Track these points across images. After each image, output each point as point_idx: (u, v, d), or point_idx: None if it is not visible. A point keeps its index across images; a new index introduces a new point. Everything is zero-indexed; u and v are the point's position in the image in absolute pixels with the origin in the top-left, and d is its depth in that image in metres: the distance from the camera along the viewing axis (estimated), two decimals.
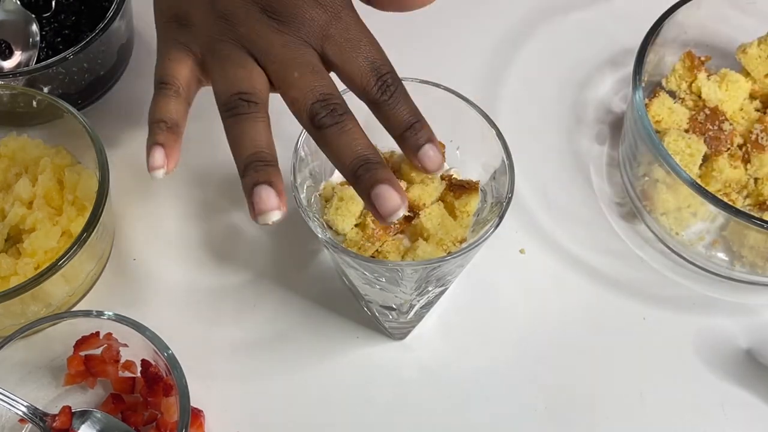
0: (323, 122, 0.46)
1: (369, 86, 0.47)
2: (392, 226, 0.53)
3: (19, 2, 0.70)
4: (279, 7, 0.48)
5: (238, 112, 0.47)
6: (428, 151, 0.47)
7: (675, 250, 0.66)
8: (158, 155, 0.48)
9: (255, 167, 0.45)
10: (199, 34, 0.49)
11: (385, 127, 0.48)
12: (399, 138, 0.48)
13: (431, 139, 0.48)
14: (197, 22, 0.49)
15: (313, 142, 0.55)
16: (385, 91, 0.47)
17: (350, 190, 0.54)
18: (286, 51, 0.48)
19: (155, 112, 0.49)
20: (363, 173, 0.45)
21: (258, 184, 0.44)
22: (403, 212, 0.44)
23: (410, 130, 0.47)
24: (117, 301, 0.63)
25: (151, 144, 0.48)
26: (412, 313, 0.58)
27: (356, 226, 0.54)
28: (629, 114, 0.64)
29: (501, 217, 0.51)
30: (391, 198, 0.44)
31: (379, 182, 0.44)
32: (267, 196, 0.44)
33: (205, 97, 0.73)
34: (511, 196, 0.52)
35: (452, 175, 0.56)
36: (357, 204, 0.53)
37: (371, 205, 0.44)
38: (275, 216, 0.45)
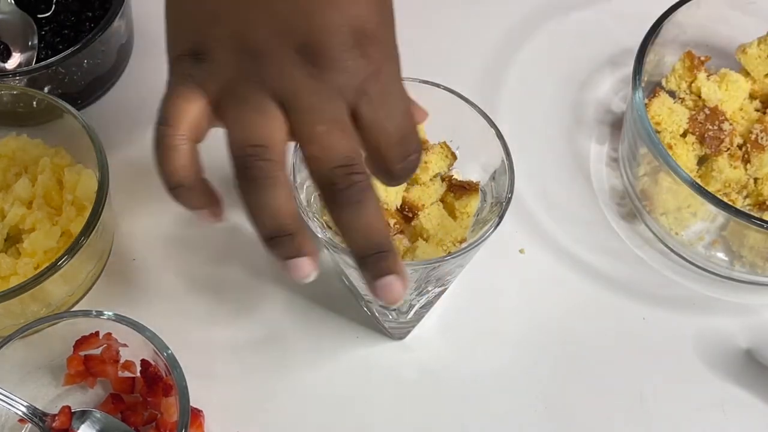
0: (342, 195, 0.41)
1: (391, 159, 0.42)
2: (391, 227, 0.53)
3: (14, 3, 0.70)
4: (318, 49, 0.41)
5: (253, 175, 0.41)
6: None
7: (675, 250, 0.66)
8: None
9: (282, 243, 0.41)
10: (217, 72, 0.42)
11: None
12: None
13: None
14: (218, 58, 0.42)
15: None
16: (404, 173, 0.43)
17: None
18: (316, 100, 0.41)
19: (168, 174, 0.43)
20: (374, 262, 0.41)
21: (289, 258, 0.41)
22: (401, 300, 0.43)
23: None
24: (117, 301, 0.63)
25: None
26: (411, 313, 0.58)
27: None
28: (629, 114, 0.64)
29: (501, 217, 0.51)
30: (395, 291, 0.42)
31: (387, 273, 0.41)
32: (301, 266, 0.41)
33: None
34: (511, 196, 0.52)
35: (452, 175, 0.56)
36: None
37: (374, 290, 0.42)
38: (311, 278, 0.42)
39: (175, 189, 0.43)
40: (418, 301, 0.56)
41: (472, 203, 0.54)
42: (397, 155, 0.43)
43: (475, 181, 0.55)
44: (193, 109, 0.43)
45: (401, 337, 0.62)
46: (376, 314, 0.59)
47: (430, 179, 0.55)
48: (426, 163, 0.55)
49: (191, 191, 0.44)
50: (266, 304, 0.63)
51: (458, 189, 0.55)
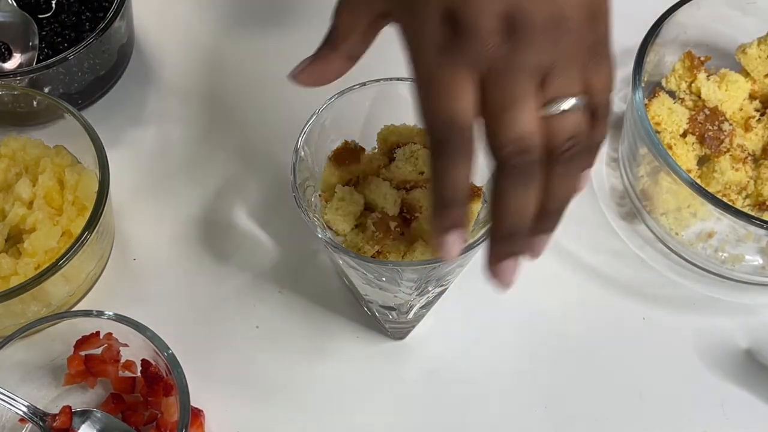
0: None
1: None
2: (392, 230, 0.53)
3: (15, 4, 0.70)
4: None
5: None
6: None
7: (675, 250, 0.66)
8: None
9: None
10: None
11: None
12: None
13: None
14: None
15: (313, 141, 0.55)
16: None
17: (350, 190, 0.54)
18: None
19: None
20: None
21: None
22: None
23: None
24: (117, 301, 0.63)
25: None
26: (411, 313, 0.58)
27: (356, 227, 0.54)
28: (629, 114, 0.64)
29: None
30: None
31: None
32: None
33: (206, 96, 0.73)
34: None
35: None
36: (357, 204, 0.53)
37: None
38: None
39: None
40: (418, 301, 0.56)
41: (474, 208, 0.54)
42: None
43: (478, 186, 0.55)
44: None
45: (401, 337, 0.62)
46: (376, 314, 0.59)
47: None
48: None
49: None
50: (266, 303, 0.63)
51: None
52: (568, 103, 0.40)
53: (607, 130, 0.44)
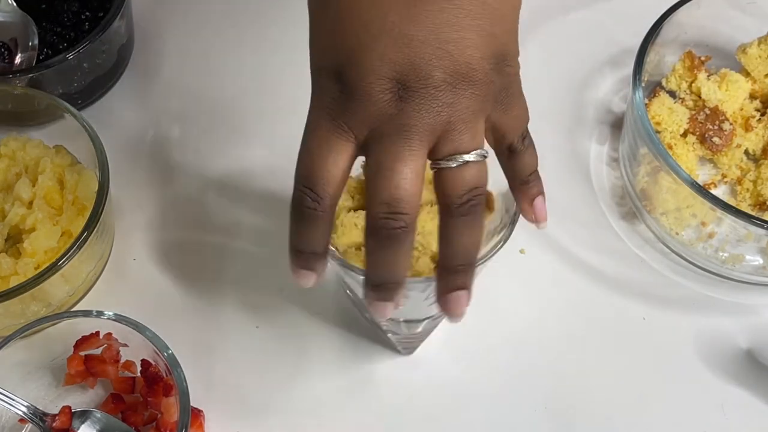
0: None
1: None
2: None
3: (15, 4, 0.70)
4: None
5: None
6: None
7: (675, 250, 0.66)
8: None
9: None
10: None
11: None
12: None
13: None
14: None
15: None
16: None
17: (355, 215, 0.52)
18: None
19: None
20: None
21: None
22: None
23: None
24: (117, 301, 0.63)
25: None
26: (421, 326, 0.58)
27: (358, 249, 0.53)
28: (629, 114, 0.64)
29: (512, 228, 0.51)
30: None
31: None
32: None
33: (206, 96, 0.73)
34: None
35: None
36: (360, 231, 0.52)
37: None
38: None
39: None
40: (428, 314, 0.55)
41: (485, 222, 0.53)
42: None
43: (490, 194, 0.53)
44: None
45: (409, 353, 0.61)
46: (383, 328, 0.59)
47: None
48: None
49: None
50: (266, 304, 0.63)
51: None
52: (464, 158, 0.41)
53: (536, 158, 0.46)
